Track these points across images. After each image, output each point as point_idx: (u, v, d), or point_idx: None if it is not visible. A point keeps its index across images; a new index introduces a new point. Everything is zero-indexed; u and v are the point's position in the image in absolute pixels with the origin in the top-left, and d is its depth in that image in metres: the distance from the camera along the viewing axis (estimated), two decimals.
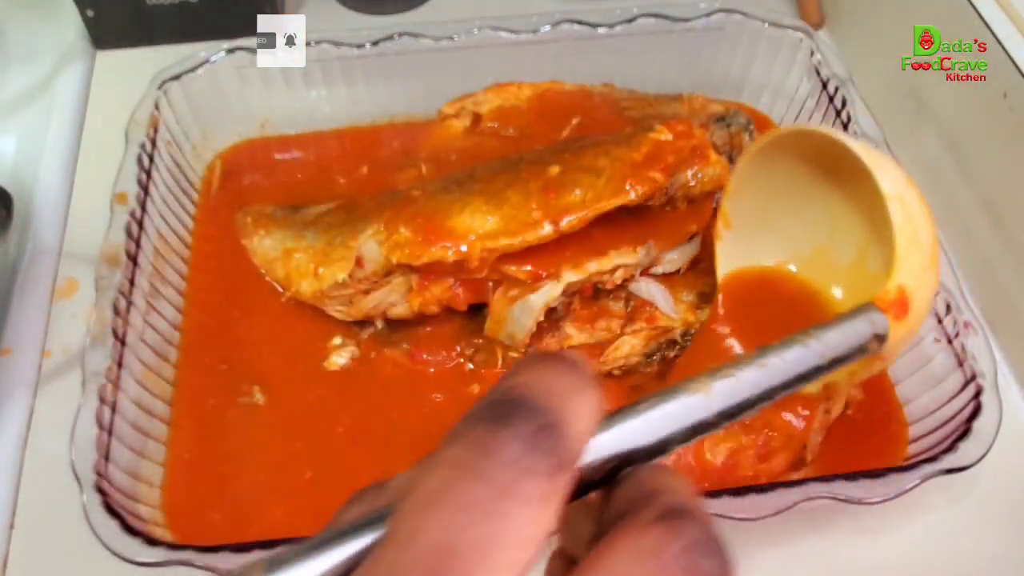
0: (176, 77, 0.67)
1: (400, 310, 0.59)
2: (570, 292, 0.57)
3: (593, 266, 0.56)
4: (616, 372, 0.59)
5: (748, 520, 0.47)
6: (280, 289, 0.63)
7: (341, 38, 0.69)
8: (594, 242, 0.56)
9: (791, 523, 0.50)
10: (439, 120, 0.70)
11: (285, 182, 0.71)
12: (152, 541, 0.46)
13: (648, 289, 0.58)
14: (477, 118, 0.70)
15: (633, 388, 0.58)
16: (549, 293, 0.56)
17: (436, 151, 0.69)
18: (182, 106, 0.68)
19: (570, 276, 0.56)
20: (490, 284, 0.57)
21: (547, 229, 0.54)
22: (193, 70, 0.68)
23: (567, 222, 0.54)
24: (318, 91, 0.72)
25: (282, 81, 0.71)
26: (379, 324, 0.61)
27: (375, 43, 0.69)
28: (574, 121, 0.69)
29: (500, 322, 0.58)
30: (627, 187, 0.55)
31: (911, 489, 0.48)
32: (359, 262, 0.57)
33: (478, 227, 0.54)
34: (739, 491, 0.48)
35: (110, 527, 0.46)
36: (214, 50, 0.68)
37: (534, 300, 0.56)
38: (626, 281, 0.58)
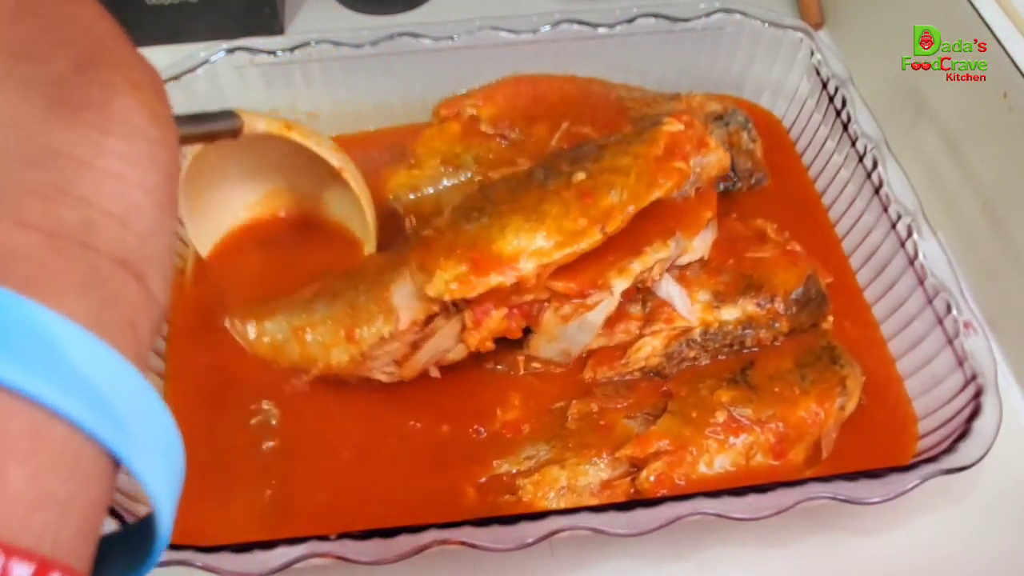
0: (176, 77, 0.67)
1: (456, 354, 0.56)
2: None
3: (637, 266, 0.56)
4: (636, 374, 0.59)
5: (748, 520, 0.47)
6: (303, 376, 0.58)
7: (341, 38, 0.69)
8: (630, 244, 0.56)
9: (791, 523, 0.50)
10: (437, 121, 0.70)
11: None
12: None
13: (667, 289, 0.58)
14: (475, 119, 0.70)
15: (664, 393, 0.57)
16: (607, 307, 0.56)
17: (435, 152, 0.69)
18: (182, 106, 0.67)
19: (621, 283, 0.55)
20: (537, 305, 0.56)
21: (596, 234, 0.54)
22: (193, 70, 0.68)
23: (613, 224, 0.54)
24: (318, 91, 0.72)
25: (282, 81, 0.71)
26: (434, 372, 0.57)
27: (375, 43, 0.69)
28: (564, 125, 0.68)
29: (552, 340, 0.57)
30: (660, 180, 0.56)
31: (911, 489, 0.48)
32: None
33: (527, 245, 0.53)
34: (739, 491, 0.48)
35: (109, 527, 0.46)
36: (214, 50, 0.68)
37: (592, 319, 0.56)
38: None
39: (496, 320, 0.55)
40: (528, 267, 0.53)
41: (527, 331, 0.57)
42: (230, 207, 0.65)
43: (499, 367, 0.59)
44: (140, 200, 0.24)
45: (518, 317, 0.55)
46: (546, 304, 0.55)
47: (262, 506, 0.54)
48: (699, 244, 0.60)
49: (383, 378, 0.56)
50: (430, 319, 0.54)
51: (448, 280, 0.52)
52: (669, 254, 0.57)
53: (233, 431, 0.57)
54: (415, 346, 0.55)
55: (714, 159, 0.59)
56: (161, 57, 0.69)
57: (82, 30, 0.26)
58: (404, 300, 0.54)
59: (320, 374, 0.57)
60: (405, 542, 0.46)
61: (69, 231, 0.22)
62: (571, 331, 0.56)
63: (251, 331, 0.59)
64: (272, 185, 0.66)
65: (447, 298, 0.53)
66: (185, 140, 0.47)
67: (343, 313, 0.56)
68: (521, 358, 0.59)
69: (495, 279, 0.52)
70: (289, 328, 0.58)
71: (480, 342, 0.55)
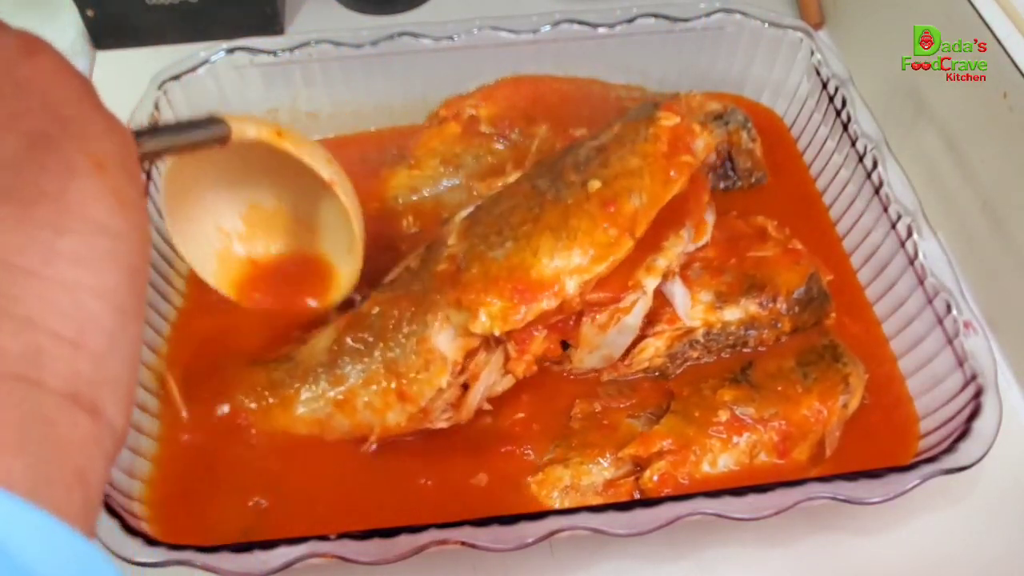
0: (176, 77, 0.67)
1: (504, 384, 0.56)
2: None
3: (662, 262, 0.56)
4: (639, 374, 0.59)
5: (748, 520, 0.47)
6: (364, 446, 0.55)
7: (341, 38, 0.69)
8: (651, 241, 0.56)
9: (791, 523, 0.50)
10: (437, 122, 0.70)
11: None
12: (152, 541, 0.46)
13: (671, 288, 0.58)
14: (475, 119, 0.70)
15: (667, 392, 0.57)
16: (643, 307, 0.56)
17: (434, 153, 0.69)
18: (182, 106, 0.68)
19: (651, 281, 0.55)
20: (572, 319, 0.55)
21: (628, 241, 0.54)
22: (193, 70, 0.68)
23: (641, 229, 0.54)
24: (318, 91, 0.72)
25: (282, 81, 0.71)
26: (486, 406, 0.56)
27: (375, 43, 0.69)
28: (543, 129, 0.68)
29: (593, 350, 0.56)
30: (672, 176, 0.56)
31: (911, 489, 0.48)
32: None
33: (565, 265, 0.52)
34: (739, 491, 0.48)
35: (110, 527, 0.46)
36: (214, 50, 0.68)
37: (630, 322, 0.55)
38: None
39: (538, 343, 0.54)
40: (571, 287, 0.52)
41: (564, 345, 0.57)
42: (215, 214, 0.59)
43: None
44: (96, 310, 0.21)
45: (555, 335, 0.55)
46: (582, 318, 0.55)
47: (256, 513, 0.53)
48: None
49: (443, 425, 0.55)
50: (469, 356, 0.53)
51: (494, 314, 0.51)
52: (685, 244, 0.57)
53: (229, 439, 0.56)
54: (464, 387, 0.54)
55: (702, 144, 0.59)
56: (161, 57, 0.70)
57: (38, 97, 0.23)
58: (447, 344, 0.53)
59: (379, 440, 0.54)
60: (405, 542, 0.46)
61: (9, 366, 0.19)
62: (611, 337, 0.56)
63: (284, 416, 0.56)
64: (260, 193, 0.61)
65: (496, 332, 0.51)
66: (169, 151, 0.45)
67: (384, 372, 0.53)
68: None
69: (543, 304, 0.52)
70: (328, 401, 0.55)
71: (527, 368, 0.55)
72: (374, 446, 0.55)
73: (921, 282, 0.58)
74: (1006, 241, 0.63)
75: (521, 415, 0.57)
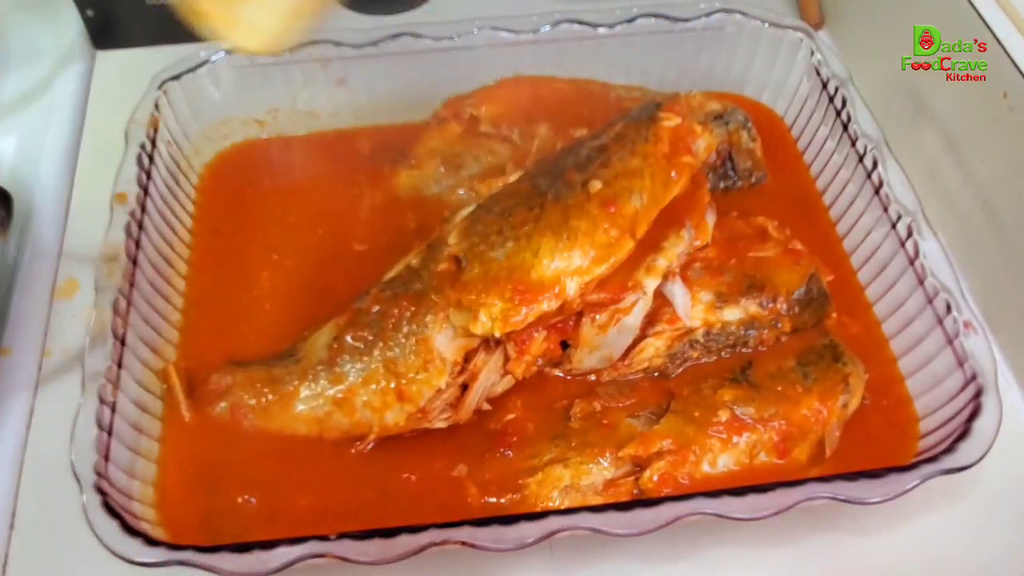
0: (176, 77, 0.67)
1: (503, 384, 0.56)
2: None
3: (663, 262, 0.56)
4: (639, 374, 0.59)
5: (748, 520, 0.47)
6: (360, 444, 0.55)
7: (341, 38, 0.70)
8: (651, 242, 0.56)
9: (791, 523, 0.50)
10: (436, 122, 0.70)
11: (285, 182, 0.71)
12: (152, 541, 0.46)
13: (671, 288, 0.58)
14: (475, 119, 0.70)
15: (667, 392, 0.57)
16: (643, 307, 0.56)
17: (435, 153, 0.69)
18: (182, 106, 0.68)
19: (652, 282, 0.55)
20: (572, 319, 0.56)
21: (629, 242, 0.54)
22: (193, 70, 0.68)
23: (641, 229, 0.54)
24: (318, 90, 0.72)
25: (282, 81, 0.71)
26: (485, 406, 0.56)
27: (375, 43, 0.69)
28: (542, 130, 0.68)
29: (593, 350, 0.56)
30: (673, 177, 0.56)
31: (911, 489, 0.48)
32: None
33: (566, 266, 0.53)
34: (739, 491, 0.48)
35: (110, 527, 0.46)
36: (214, 50, 0.68)
37: (630, 322, 0.55)
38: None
39: (538, 344, 0.54)
40: (572, 288, 0.52)
41: (564, 345, 0.57)
42: None
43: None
44: None
45: (554, 336, 0.55)
46: (582, 318, 0.55)
47: (250, 510, 0.53)
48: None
49: (441, 425, 0.55)
50: (468, 356, 0.54)
51: (495, 315, 0.52)
52: (685, 243, 0.57)
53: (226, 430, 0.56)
54: (463, 388, 0.54)
55: (703, 144, 0.59)
56: (161, 57, 0.70)
57: None
58: (446, 344, 0.53)
59: (376, 438, 0.54)
60: (405, 542, 0.46)
61: None
62: (611, 337, 0.56)
63: (281, 416, 0.55)
64: None
65: (497, 334, 0.52)
66: None
67: (384, 372, 0.54)
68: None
69: (544, 306, 0.52)
70: (327, 400, 0.55)
71: (526, 369, 0.55)
72: (371, 445, 0.55)
73: (921, 282, 0.58)
74: (1006, 241, 0.63)
75: (519, 416, 0.57)
